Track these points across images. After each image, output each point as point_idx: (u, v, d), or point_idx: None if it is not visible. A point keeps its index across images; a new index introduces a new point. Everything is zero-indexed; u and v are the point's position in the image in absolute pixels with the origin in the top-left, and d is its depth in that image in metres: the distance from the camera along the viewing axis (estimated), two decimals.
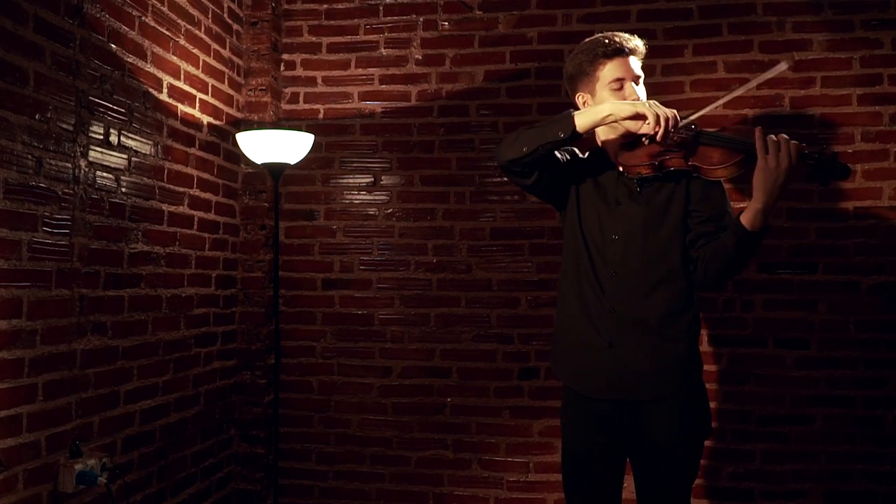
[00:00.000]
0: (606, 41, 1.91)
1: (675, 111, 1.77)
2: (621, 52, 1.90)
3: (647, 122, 1.75)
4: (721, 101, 1.93)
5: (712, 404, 2.81)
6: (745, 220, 1.72)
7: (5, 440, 1.84)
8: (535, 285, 2.99)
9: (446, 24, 3.11)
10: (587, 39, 1.97)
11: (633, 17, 2.97)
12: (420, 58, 3.12)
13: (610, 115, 1.78)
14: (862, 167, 2.81)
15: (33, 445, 1.93)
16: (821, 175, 1.67)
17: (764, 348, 2.85)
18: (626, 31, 2.91)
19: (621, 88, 1.89)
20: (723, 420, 2.85)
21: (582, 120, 1.79)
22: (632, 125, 1.79)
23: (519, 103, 3.03)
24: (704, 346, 2.87)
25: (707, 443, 2.81)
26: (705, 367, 2.82)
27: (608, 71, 1.90)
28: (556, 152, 1.92)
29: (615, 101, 1.84)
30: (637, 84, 1.92)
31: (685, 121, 1.82)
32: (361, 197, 3.14)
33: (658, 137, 1.75)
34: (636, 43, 1.92)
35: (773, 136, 1.68)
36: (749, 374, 2.85)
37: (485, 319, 3.03)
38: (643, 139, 1.82)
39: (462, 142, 3.07)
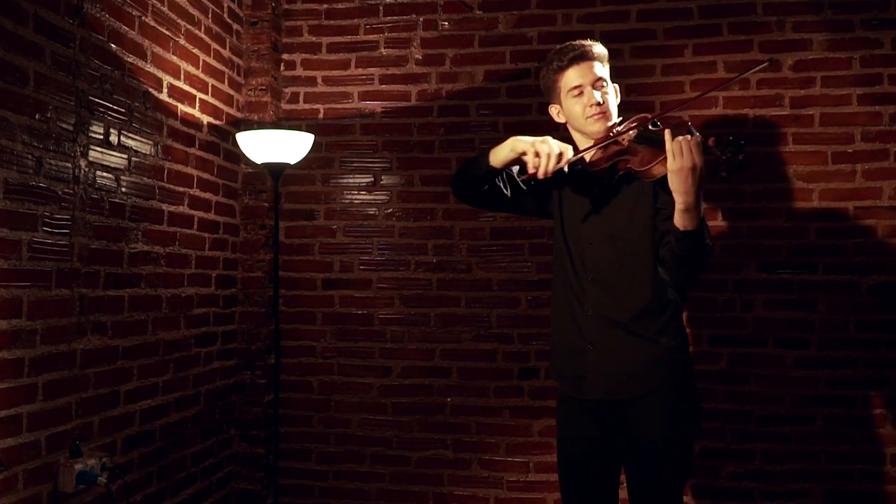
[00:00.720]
0: (563, 52, 1.97)
1: (566, 147, 1.84)
2: (578, 59, 1.95)
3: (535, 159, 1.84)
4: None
5: (712, 404, 2.83)
6: (676, 222, 1.72)
7: (5, 440, 1.84)
8: (535, 285, 2.99)
9: (446, 23, 3.11)
10: (551, 53, 2.03)
11: (633, 16, 2.97)
12: (420, 58, 3.11)
13: (512, 149, 1.90)
14: (862, 167, 2.81)
15: (33, 445, 1.93)
16: (723, 169, 1.66)
17: (764, 348, 2.84)
18: (626, 31, 2.95)
19: (581, 94, 1.95)
20: (723, 420, 2.84)
21: (494, 156, 1.94)
22: (526, 159, 1.88)
23: (519, 103, 3.03)
24: (704, 346, 2.87)
25: (707, 443, 2.84)
26: (706, 367, 2.84)
27: (567, 80, 1.97)
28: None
29: (516, 138, 1.90)
30: (599, 88, 1.95)
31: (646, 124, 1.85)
32: (361, 197, 3.14)
33: (539, 175, 1.84)
34: (596, 50, 1.96)
35: (679, 137, 1.67)
36: (749, 374, 2.85)
37: (485, 319, 3.03)
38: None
39: (462, 142, 3.07)
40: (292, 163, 2.75)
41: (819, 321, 2.82)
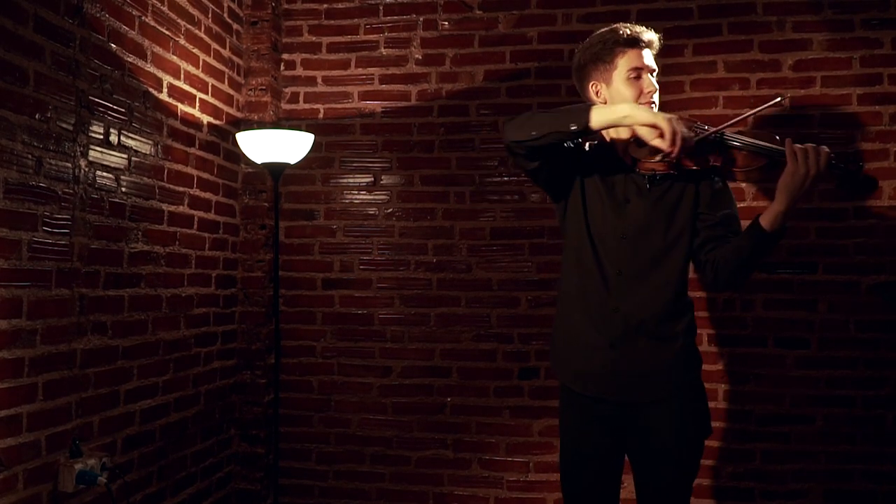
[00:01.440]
0: (627, 30, 1.89)
1: (690, 136, 1.73)
2: (638, 42, 1.89)
3: (663, 138, 1.69)
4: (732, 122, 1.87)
5: (712, 404, 2.80)
6: (764, 221, 1.72)
7: (5, 440, 1.84)
8: (535, 285, 2.99)
9: (446, 23, 3.11)
10: (603, 29, 1.94)
11: (633, 16, 2.97)
12: (420, 57, 3.11)
13: (627, 116, 1.71)
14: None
15: (33, 445, 1.94)
16: (847, 186, 1.72)
17: (764, 348, 2.84)
18: None
19: (639, 78, 1.87)
20: (723, 420, 2.84)
21: (598, 116, 1.71)
22: (646, 133, 1.72)
23: (519, 103, 3.03)
24: (704, 346, 2.86)
25: (708, 442, 2.81)
26: (706, 367, 2.82)
27: (627, 60, 1.87)
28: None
29: (634, 104, 1.77)
30: (652, 76, 1.90)
31: (707, 132, 1.79)
32: (361, 197, 3.14)
33: (671, 157, 1.72)
34: (653, 37, 1.92)
35: (800, 145, 1.68)
36: (749, 373, 2.85)
37: (485, 319, 3.03)
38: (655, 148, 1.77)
39: (462, 141, 3.07)
40: (292, 163, 2.75)
41: (819, 321, 2.82)
